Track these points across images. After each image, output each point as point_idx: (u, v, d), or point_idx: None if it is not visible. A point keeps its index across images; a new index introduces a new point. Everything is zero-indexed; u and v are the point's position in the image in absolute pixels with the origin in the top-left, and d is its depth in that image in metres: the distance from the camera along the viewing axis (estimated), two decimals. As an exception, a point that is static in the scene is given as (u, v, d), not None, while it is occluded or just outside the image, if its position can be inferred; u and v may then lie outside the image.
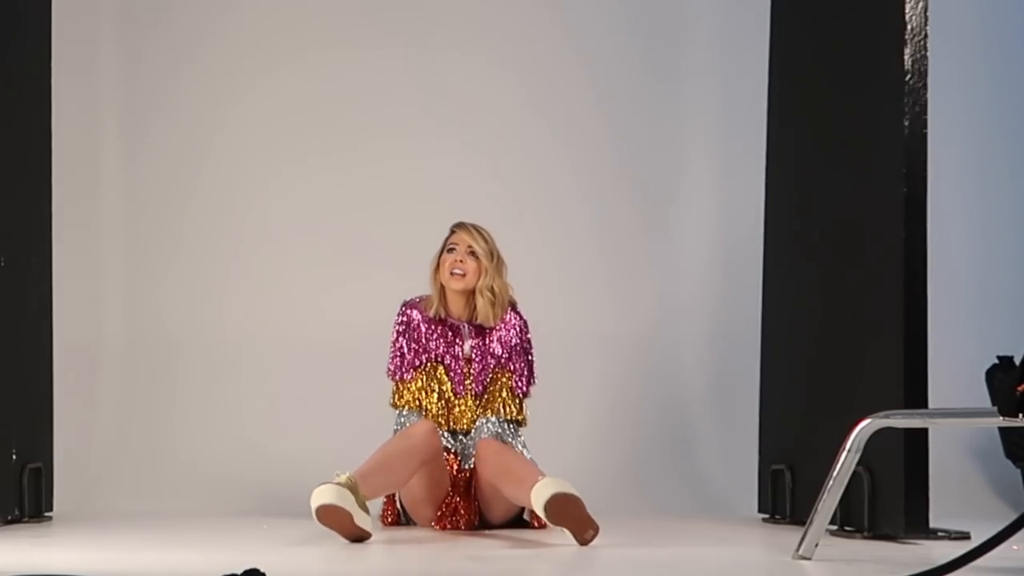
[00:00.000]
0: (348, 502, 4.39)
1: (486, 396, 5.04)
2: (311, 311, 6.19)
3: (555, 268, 6.23)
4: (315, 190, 6.25)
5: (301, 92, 6.27)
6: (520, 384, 5.06)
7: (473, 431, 5.02)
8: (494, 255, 5.07)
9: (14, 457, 4.96)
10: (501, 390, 5.04)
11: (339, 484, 4.42)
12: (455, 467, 4.95)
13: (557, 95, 6.38)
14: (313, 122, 6.28)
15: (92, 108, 6.22)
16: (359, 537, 4.43)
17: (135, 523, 5.07)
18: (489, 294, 5.04)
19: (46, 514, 5.18)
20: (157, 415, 6.08)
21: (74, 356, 5.87)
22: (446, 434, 5.01)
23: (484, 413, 5.01)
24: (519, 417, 5.03)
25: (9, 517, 4.93)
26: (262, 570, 3.00)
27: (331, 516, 4.40)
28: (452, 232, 5.11)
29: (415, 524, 5.03)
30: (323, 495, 4.39)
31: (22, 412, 5.07)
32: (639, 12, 6.43)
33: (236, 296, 6.21)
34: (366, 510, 4.46)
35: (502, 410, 5.01)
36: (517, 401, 5.04)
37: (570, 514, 4.37)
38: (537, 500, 4.40)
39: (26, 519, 5.02)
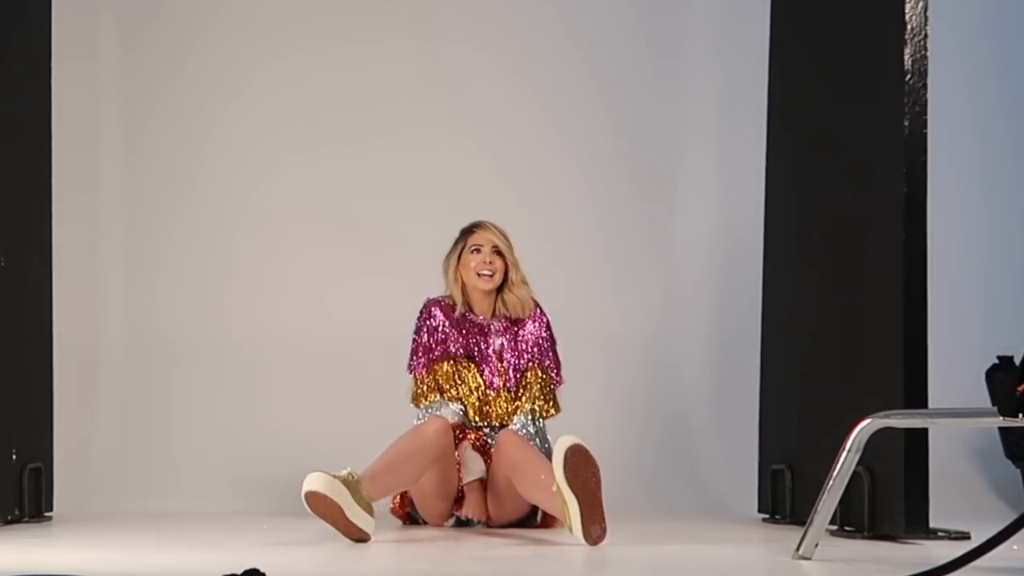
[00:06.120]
0: (341, 496, 4.34)
1: (520, 390, 5.06)
2: (313, 310, 6.18)
3: (554, 268, 6.21)
4: (317, 187, 6.25)
5: (303, 87, 6.27)
6: (555, 377, 5.10)
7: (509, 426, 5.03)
8: (512, 250, 5.10)
9: (14, 457, 4.96)
10: (532, 386, 5.05)
11: (335, 476, 4.38)
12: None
13: (559, 93, 6.38)
14: (314, 117, 6.27)
15: (92, 107, 6.21)
16: (355, 535, 4.39)
17: (135, 523, 5.07)
18: (518, 289, 5.08)
19: (46, 514, 5.18)
20: (157, 415, 6.07)
21: (74, 356, 5.87)
22: (485, 428, 5.01)
23: (518, 409, 5.03)
24: (552, 410, 5.06)
25: (9, 517, 4.92)
26: (262, 570, 3.00)
27: (319, 505, 4.36)
28: (472, 232, 5.12)
29: (425, 523, 5.04)
30: (313, 482, 4.36)
31: (22, 412, 5.07)
32: (640, 14, 6.43)
33: (237, 295, 6.21)
34: (369, 511, 4.40)
35: (531, 404, 5.01)
36: (551, 393, 5.08)
37: (584, 479, 4.30)
38: (561, 446, 4.33)
39: (26, 519, 5.02)
